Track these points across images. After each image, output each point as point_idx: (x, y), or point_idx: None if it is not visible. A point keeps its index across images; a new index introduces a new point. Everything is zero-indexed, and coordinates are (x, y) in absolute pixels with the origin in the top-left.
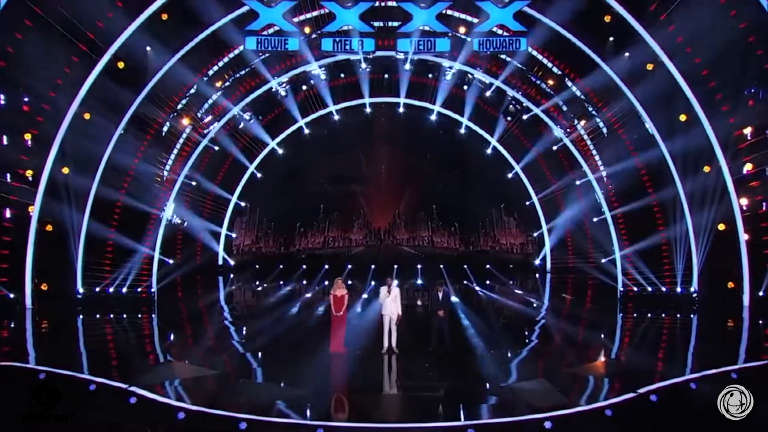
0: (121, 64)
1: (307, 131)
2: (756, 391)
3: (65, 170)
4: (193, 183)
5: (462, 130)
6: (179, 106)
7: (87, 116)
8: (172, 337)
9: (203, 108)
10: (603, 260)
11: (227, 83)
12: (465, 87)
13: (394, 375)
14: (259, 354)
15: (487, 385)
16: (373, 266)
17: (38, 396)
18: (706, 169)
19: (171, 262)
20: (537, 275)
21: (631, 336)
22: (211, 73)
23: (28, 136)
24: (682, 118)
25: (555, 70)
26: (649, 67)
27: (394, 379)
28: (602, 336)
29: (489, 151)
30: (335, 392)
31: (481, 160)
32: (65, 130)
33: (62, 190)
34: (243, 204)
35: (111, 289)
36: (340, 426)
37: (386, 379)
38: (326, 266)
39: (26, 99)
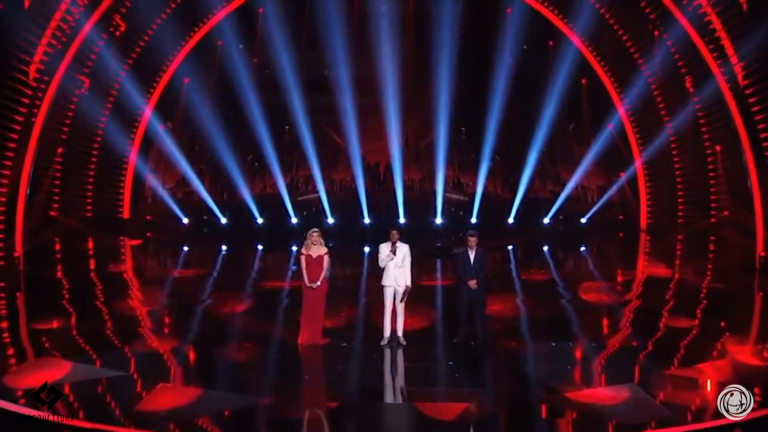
0: None
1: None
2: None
3: None
4: (82, 91)
5: None
6: None
7: None
8: (54, 323)
9: None
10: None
11: None
12: None
13: (400, 379)
14: (189, 348)
15: (544, 392)
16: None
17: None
18: None
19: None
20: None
21: None
22: None
23: None
24: None
25: None
26: None
27: (399, 385)
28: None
29: None
30: (308, 404)
31: None
32: None
33: None
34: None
35: None
36: None
37: (388, 385)
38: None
39: None
